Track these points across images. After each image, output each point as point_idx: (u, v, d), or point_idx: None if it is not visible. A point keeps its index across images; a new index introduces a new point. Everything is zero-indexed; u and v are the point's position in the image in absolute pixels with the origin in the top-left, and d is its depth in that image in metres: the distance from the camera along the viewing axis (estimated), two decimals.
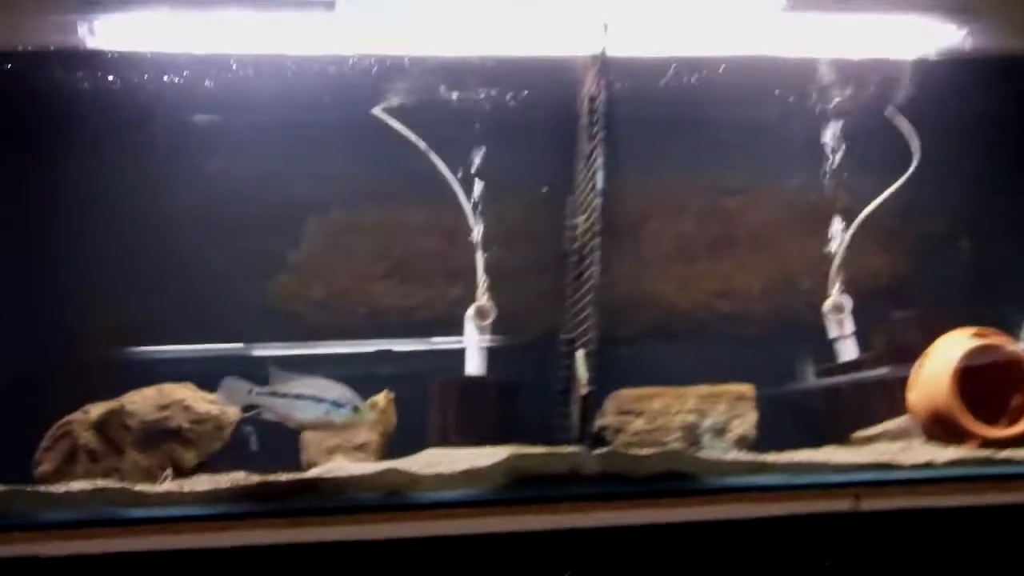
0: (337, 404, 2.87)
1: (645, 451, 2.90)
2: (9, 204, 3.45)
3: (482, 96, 3.39)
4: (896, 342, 3.46)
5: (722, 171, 3.68)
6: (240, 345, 3.37)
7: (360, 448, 3.16)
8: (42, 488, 2.78)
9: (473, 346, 3.38)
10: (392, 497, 2.75)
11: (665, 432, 3.16)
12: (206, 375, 3.09)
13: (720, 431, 3.16)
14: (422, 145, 3.42)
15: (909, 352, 3.25)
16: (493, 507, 2.71)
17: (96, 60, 3.19)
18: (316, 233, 3.56)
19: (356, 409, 2.89)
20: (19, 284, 3.45)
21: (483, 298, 3.39)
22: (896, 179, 3.68)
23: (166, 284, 3.48)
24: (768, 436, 3.17)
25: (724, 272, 3.67)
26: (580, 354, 3.09)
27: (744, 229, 3.67)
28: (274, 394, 2.88)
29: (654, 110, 3.48)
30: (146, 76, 3.25)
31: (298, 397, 2.88)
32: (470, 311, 3.38)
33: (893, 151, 3.69)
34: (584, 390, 2.99)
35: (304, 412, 2.89)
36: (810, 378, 3.56)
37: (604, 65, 3.20)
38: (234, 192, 3.51)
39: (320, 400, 2.88)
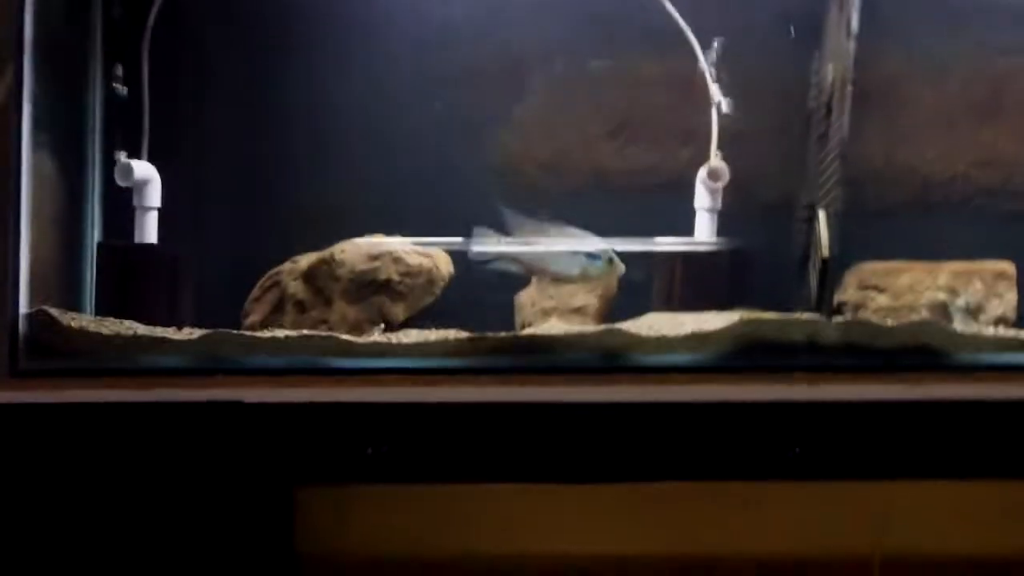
0: (591, 256, 2.70)
1: (891, 321, 2.63)
2: (221, 50, 3.37)
3: None
4: None
5: (995, 25, 3.26)
6: (460, 239, 3.18)
7: (577, 311, 2.98)
8: (248, 333, 2.71)
9: (704, 210, 3.12)
10: (611, 359, 2.57)
11: (912, 310, 2.87)
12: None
13: (974, 311, 2.85)
14: None
15: None
16: (719, 374, 2.52)
17: None
18: (541, 87, 3.35)
19: (611, 261, 2.71)
20: (235, 138, 3.40)
21: (716, 158, 3.12)
22: None
23: (383, 139, 3.35)
24: None
25: (989, 140, 3.28)
26: (822, 215, 2.82)
27: (1016, 93, 3.27)
28: (525, 244, 2.75)
29: None
30: None
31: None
32: (701, 172, 3.11)
33: None
34: (825, 252, 2.72)
35: (558, 264, 2.73)
36: None
37: None
38: (456, 41, 3.32)
39: (574, 252, 2.70)
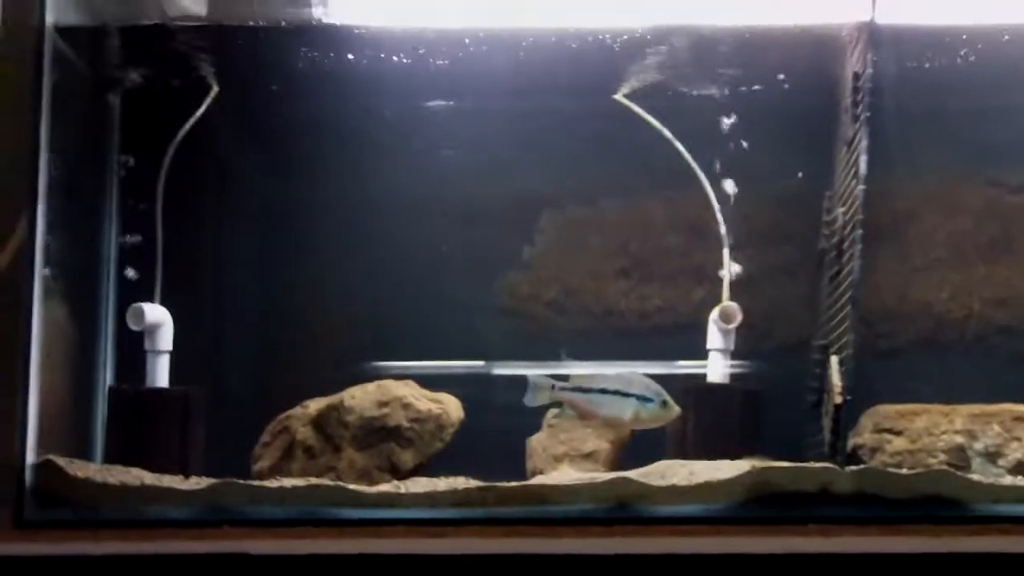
0: (643, 399, 2.71)
1: (906, 471, 2.58)
2: (230, 189, 3.42)
3: (732, 74, 3.11)
4: None
5: (1006, 163, 3.25)
6: (481, 363, 3.24)
7: (588, 457, 2.95)
8: (255, 483, 2.69)
9: (716, 351, 3.10)
10: (621, 510, 2.55)
11: (929, 454, 2.83)
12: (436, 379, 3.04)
13: (993, 455, 2.80)
14: (666, 133, 3.16)
15: None
16: (732, 526, 2.47)
17: (325, 35, 3.07)
18: (551, 228, 3.36)
19: (664, 404, 2.72)
20: (238, 276, 3.43)
21: (728, 300, 3.10)
22: None
23: (391, 278, 3.36)
24: None
25: (1003, 278, 3.26)
26: (834, 360, 2.79)
27: None
28: (577, 389, 2.77)
29: (928, 89, 3.12)
30: (374, 53, 3.11)
31: (603, 392, 2.76)
32: (714, 313, 3.10)
33: None
34: (838, 399, 2.69)
35: (609, 408, 2.76)
36: None
37: (872, 35, 2.85)
38: (466, 182, 3.35)
39: (625, 395, 2.72)
